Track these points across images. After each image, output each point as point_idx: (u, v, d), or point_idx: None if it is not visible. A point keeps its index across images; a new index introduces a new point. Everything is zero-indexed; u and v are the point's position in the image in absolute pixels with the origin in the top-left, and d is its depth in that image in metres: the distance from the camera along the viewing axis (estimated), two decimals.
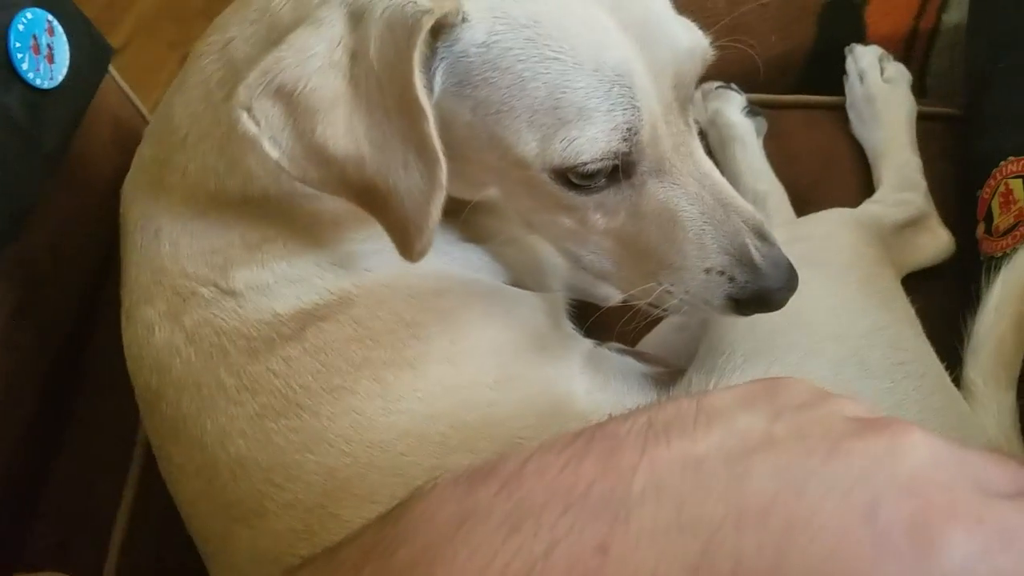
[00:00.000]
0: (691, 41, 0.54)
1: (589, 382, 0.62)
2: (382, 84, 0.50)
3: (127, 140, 0.75)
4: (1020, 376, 0.66)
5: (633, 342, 0.74)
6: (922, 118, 0.88)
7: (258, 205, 0.58)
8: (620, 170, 0.53)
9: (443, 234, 0.61)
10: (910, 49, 1.04)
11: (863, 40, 1.02)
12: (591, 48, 0.50)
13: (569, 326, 0.70)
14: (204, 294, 0.58)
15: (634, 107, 0.51)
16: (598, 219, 0.55)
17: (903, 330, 0.63)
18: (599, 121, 0.50)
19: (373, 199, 0.52)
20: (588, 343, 0.67)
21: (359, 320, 0.57)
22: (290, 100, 0.50)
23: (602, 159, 0.51)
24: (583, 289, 0.72)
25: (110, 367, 0.67)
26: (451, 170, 0.51)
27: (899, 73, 0.90)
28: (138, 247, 0.61)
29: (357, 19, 0.50)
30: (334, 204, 0.57)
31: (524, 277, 0.69)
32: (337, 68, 0.50)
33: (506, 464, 0.34)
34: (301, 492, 0.54)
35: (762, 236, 0.55)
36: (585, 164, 0.51)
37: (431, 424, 0.55)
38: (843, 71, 0.95)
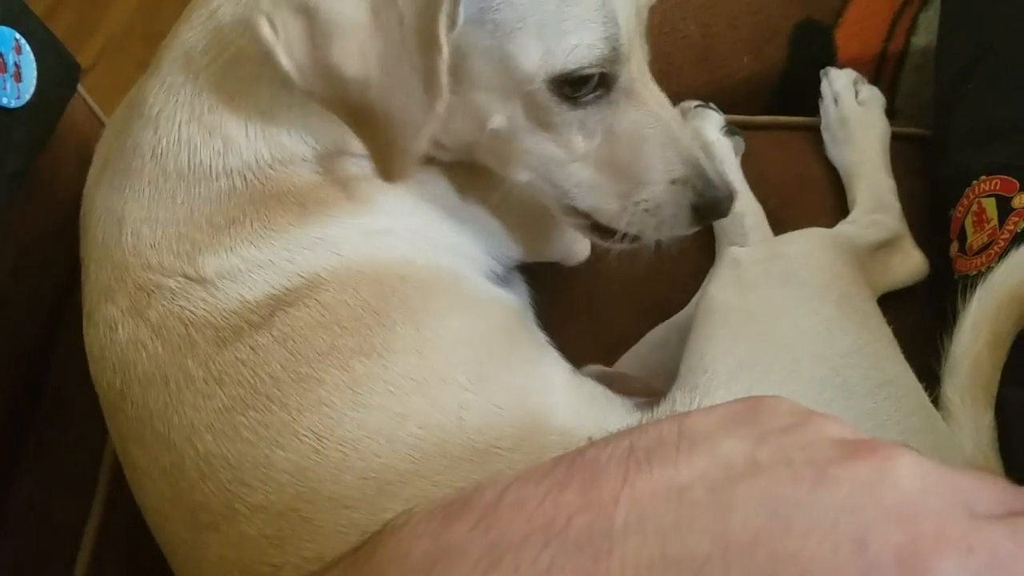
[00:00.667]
0: None
1: (570, 396, 0.61)
2: (403, 18, 0.54)
3: None
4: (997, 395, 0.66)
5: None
6: (892, 138, 0.90)
7: (228, 180, 0.59)
8: (603, 83, 0.60)
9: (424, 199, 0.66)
10: (879, 71, 1.05)
11: (833, 62, 1.03)
12: None
13: (542, 335, 0.69)
14: (170, 285, 0.57)
15: (616, 23, 0.58)
16: (579, 141, 0.62)
17: (883, 350, 0.63)
18: (595, 31, 0.58)
19: (366, 121, 0.57)
20: (564, 363, 0.66)
21: (326, 305, 0.57)
22: (312, 17, 0.54)
23: (595, 65, 0.59)
24: (552, 250, 0.76)
25: (74, 386, 0.66)
26: (461, 107, 0.59)
27: (873, 96, 0.91)
28: (99, 243, 0.61)
29: None
30: (300, 180, 0.60)
31: (504, 236, 0.71)
32: None
33: (482, 496, 0.33)
34: (272, 493, 0.52)
35: (707, 152, 0.65)
36: (582, 69, 0.58)
37: (402, 423, 0.54)
38: (814, 93, 0.95)
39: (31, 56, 0.74)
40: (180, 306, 0.57)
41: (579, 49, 0.58)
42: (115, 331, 0.58)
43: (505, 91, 0.60)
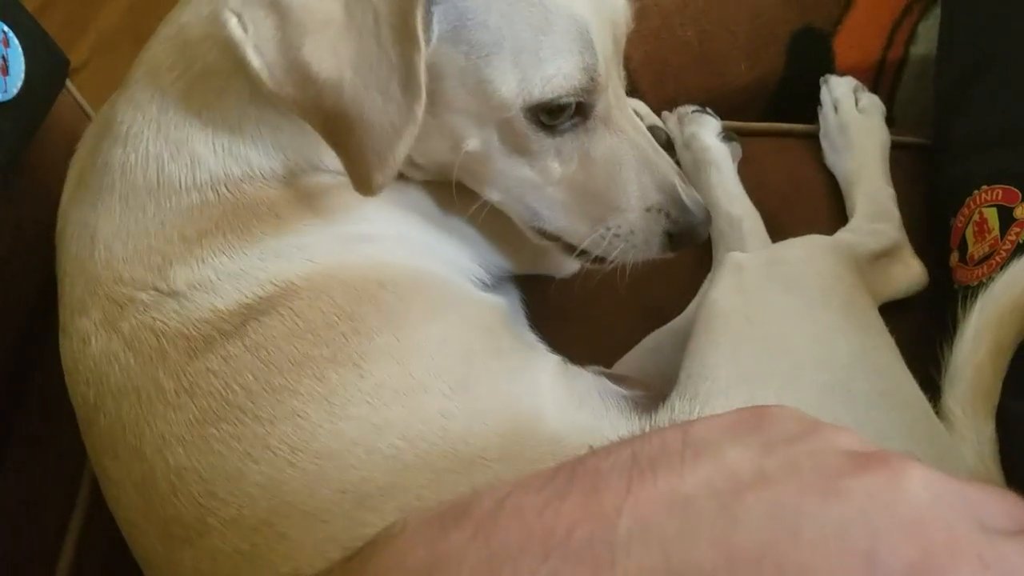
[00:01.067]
0: (624, 6, 0.63)
1: (560, 400, 0.60)
2: (378, 15, 0.53)
3: None
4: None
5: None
6: (891, 147, 0.89)
7: (199, 194, 0.58)
8: (580, 112, 0.60)
9: (399, 208, 0.64)
10: (878, 79, 1.05)
11: (832, 70, 1.03)
12: (581, 4, 0.57)
13: (532, 336, 0.69)
14: (142, 298, 0.57)
15: (594, 52, 0.58)
16: (555, 167, 0.62)
17: (885, 357, 0.62)
18: (571, 61, 0.57)
19: (340, 127, 0.54)
20: (555, 357, 0.66)
21: (300, 313, 0.56)
22: (284, 14, 0.53)
23: (571, 95, 0.58)
24: (540, 262, 0.75)
25: (59, 390, 0.64)
26: (436, 128, 0.58)
27: (873, 104, 0.91)
28: (73, 257, 0.60)
29: None
30: (275, 192, 0.59)
31: (490, 249, 0.70)
32: None
33: (480, 504, 0.32)
34: (245, 506, 0.51)
35: (683, 179, 0.64)
36: (559, 98, 0.58)
37: (381, 434, 0.52)
38: (812, 100, 0.95)
39: (19, 50, 0.73)
40: (152, 318, 0.56)
41: (556, 79, 0.57)
42: (88, 344, 0.58)
43: (480, 116, 0.59)
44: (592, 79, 0.58)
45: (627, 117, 0.63)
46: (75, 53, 1.76)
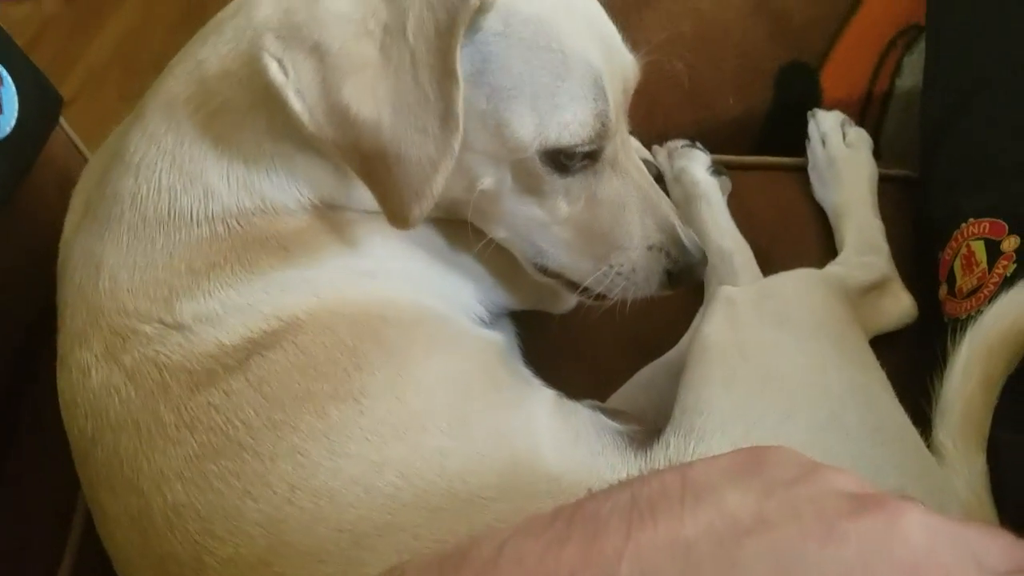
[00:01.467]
0: (633, 61, 0.66)
1: (556, 436, 0.60)
2: (415, 54, 0.54)
3: None
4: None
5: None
6: (879, 179, 0.90)
7: (209, 227, 0.58)
8: (590, 155, 0.62)
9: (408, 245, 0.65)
10: (864, 112, 1.06)
11: (819, 103, 1.04)
12: (580, 48, 0.60)
13: (526, 371, 0.69)
14: (146, 331, 0.56)
15: (607, 99, 0.60)
16: (563, 206, 0.63)
17: (878, 392, 0.62)
18: (587, 107, 0.59)
19: (378, 165, 0.56)
20: (551, 392, 0.66)
21: (303, 348, 0.56)
22: (322, 58, 0.54)
23: (586, 142, 0.60)
24: (539, 299, 0.76)
25: (48, 429, 0.64)
26: (454, 166, 0.57)
27: (860, 138, 0.91)
28: (75, 288, 0.60)
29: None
30: (284, 226, 0.59)
31: (491, 285, 0.71)
32: (371, 37, 0.55)
33: (479, 550, 0.32)
34: (242, 545, 0.51)
35: (681, 220, 0.67)
36: (576, 146, 0.60)
37: (380, 473, 0.52)
38: (800, 132, 0.96)
39: (12, 88, 0.73)
40: (155, 351, 0.56)
41: (572, 126, 0.59)
42: (88, 376, 0.57)
43: (497, 156, 0.61)
44: (604, 125, 0.60)
45: (631, 160, 0.65)
46: (65, 88, 1.76)
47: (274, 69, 0.54)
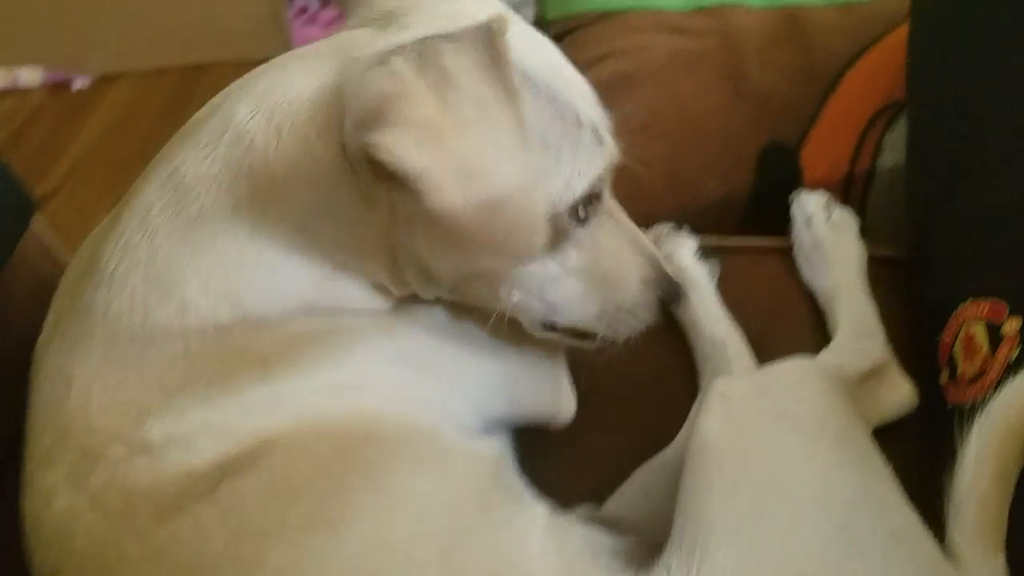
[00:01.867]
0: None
1: (550, 564, 0.56)
2: (479, 97, 0.52)
3: (48, 298, 0.70)
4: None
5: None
6: (868, 261, 0.88)
7: (184, 342, 0.55)
8: (594, 200, 0.64)
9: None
10: (848, 191, 1.06)
11: (800, 183, 1.04)
12: (586, 100, 0.62)
13: (519, 483, 0.66)
14: (114, 453, 0.53)
15: (608, 142, 0.63)
16: (573, 256, 0.64)
17: (887, 493, 0.59)
18: (599, 152, 0.62)
19: (497, 223, 0.53)
20: (544, 511, 0.62)
21: (277, 471, 0.53)
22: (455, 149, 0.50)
23: (600, 181, 0.62)
24: (537, 404, 0.74)
25: (11, 547, 0.59)
26: None
27: (845, 219, 0.90)
28: (44, 403, 0.57)
29: (421, 66, 0.51)
30: (263, 337, 0.56)
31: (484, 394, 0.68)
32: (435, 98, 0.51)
33: None
34: None
35: (660, 252, 0.71)
36: (598, 192, 0.63)
37: None
38: (785, 213, 0.95)
39: None
40: (123, 474, 0.52)
41: (592, 170, 0.61)
42: (51, 501, 0.54)
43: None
44: (609, 162, 0.63)
45: (616, 205, 0.68)
46: (49, 180, 1.77)
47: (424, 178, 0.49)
